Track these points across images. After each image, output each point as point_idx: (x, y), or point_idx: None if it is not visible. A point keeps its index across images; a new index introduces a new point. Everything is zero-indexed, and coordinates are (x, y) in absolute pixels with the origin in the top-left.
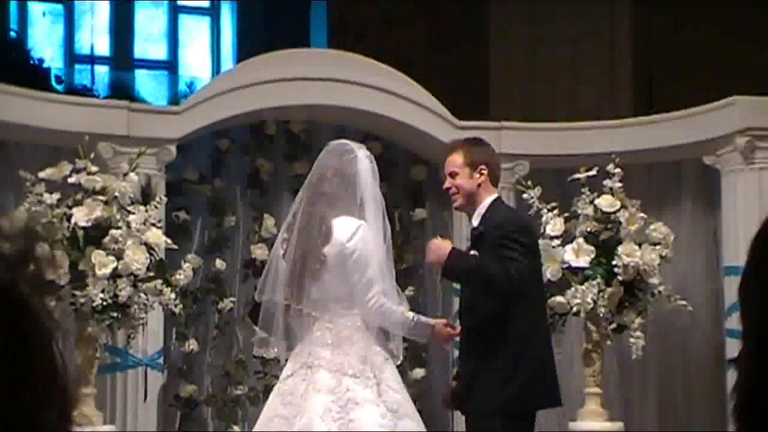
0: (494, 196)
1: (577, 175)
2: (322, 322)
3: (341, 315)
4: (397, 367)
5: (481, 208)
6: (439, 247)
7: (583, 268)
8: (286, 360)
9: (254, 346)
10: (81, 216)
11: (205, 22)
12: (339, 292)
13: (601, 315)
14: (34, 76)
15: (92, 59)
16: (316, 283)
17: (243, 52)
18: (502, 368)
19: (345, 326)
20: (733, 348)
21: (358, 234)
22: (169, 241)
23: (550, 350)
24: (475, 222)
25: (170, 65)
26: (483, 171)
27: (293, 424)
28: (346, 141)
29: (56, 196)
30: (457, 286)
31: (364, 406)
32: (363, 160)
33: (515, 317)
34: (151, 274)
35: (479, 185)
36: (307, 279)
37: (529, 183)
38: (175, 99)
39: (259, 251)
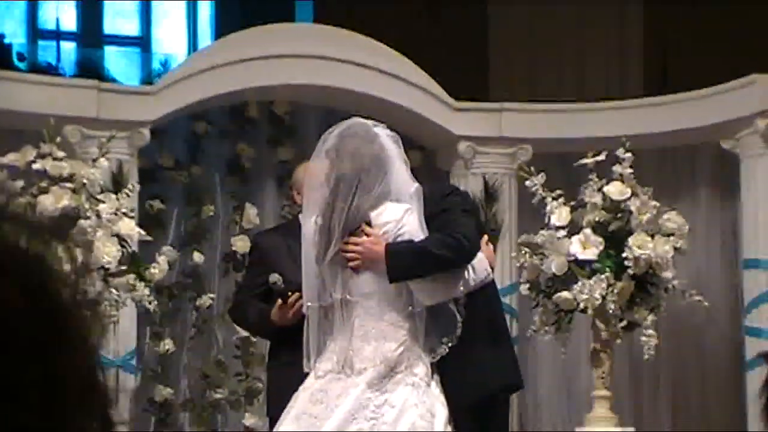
0: (416, 184)
1: (584, 161)
2: (364, 318)
3: (384, 310)
4: None
5: None
6: (371, 249)
7: (590, 261)
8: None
9: (236, 347)
10: (47, 205)
11: None
12: (383, 284)
13: (610, 312)
14: None
15: (58, 35)
16: (358, 279)
17: (222, 28)
18: (487, 346)
19: (388, 322)
20: (753, 347)
21: (407, 216)
22: (142, 232)
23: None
24: None
25: (143, 42)
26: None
27: (322, 425)
28: (364, 120)
29: (20, 183)
30: None
31: (401, 407)
32: (386, 140)
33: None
34: (123, 268)
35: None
36: (349, 275)
37: (532, 169)
38: (148, 78)
39: (240, 243)
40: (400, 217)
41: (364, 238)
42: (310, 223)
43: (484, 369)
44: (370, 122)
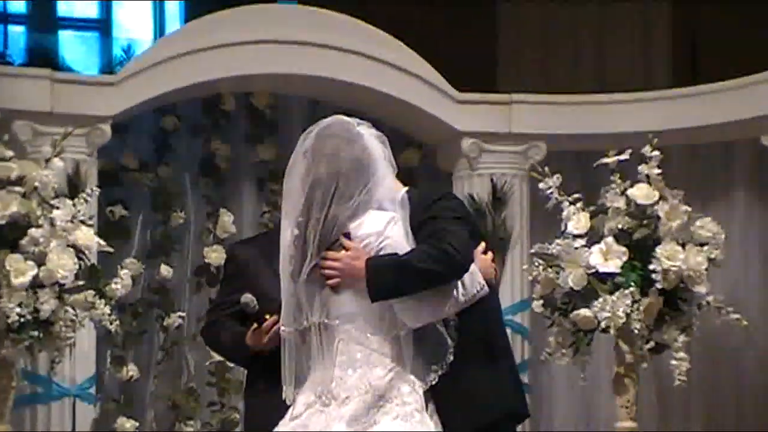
0: (404, 189)
1: (606, 160)
2: (347, 342)
3: (369, 334)
4: None
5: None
6: (351, 265)
7: (613, 274)
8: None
9: (209, 372)
10: None
11: None
12: (367, 304)
13: (635, 332)
14: None
15: (5, 18)
16: (339, 299)
17: (193, 10)
18: (483, 369)
19: (375, 346)
20: None
21: (390, 227)
22: (102, 242)
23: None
24: None
25: (103, 25)
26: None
27: None
28: (346, 119)
29: None
30: None
31: None
32: (371, 140)
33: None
34: (81, 283)
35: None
36: (328, 294)
37: (546, 169)
38: (109, 67)
39: (214, 255)
40: (382, 227)
41: (343, 252)
42: (287, 234)
43: (480, 395)
44: (353, 120)
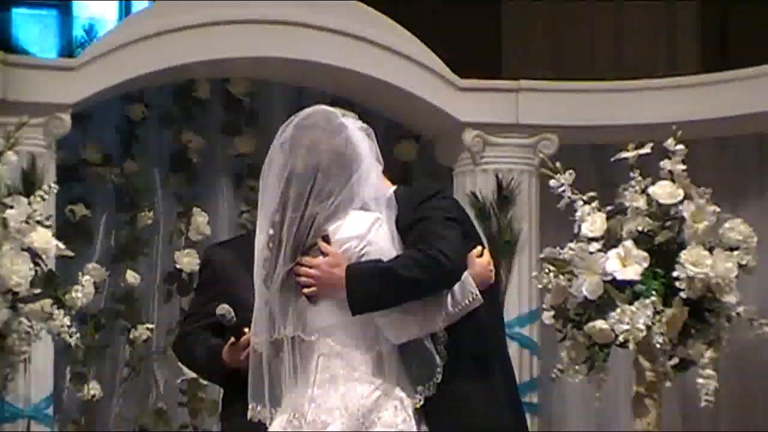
0: (393, 187)
1: (625, 154)
2: (328, 358)
3: (351, 349)
4: None
5: None
6: (329, 273)
7: (632, 282)
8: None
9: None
10: None
11: None
12: (348, 316)
13: (657, 346)
14: None
15: None
16: (317, 310)
17: None
18: (476, 388)
19: (358, 363)
20: None
21: (374, 229)
22: (61, 245)
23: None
24: None
25: (62, 2)
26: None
27: None
28: (329, 108)
29: None
30: None
31: None
32: (356, 132)
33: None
34: (37, 291)
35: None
36: (305, 305)
37: (558, 165)
38: (68, 49)
39: (186, 260)
40: (365, 230)
41: (321, 258)
42: (263, 236)
43: (473, 417)
44: (336, 111)
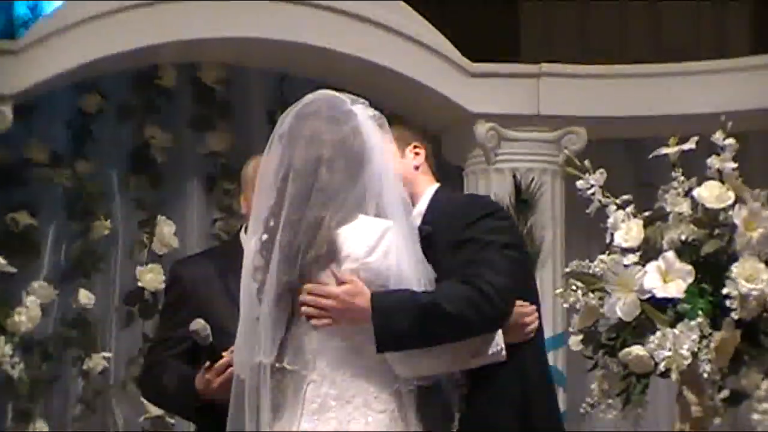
0: (436, 185)
1: (664, 150)
2: (319, 384)
3: (349, 372)
4: None
5: (421, 203)
6: (350, 304)
7: (675, 301)
8: None
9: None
10: None
11: None
12: (347, 337)
13: (705, 376)
14: None
15: None
16: (313, 329)
17: None
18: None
19: (353, 387)
20: None
21: (384, 243)
22: (1, 260)
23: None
24: (416, 222)
25: None
26: (418, 150)
27: None
28: (335, 93)
29: None
30: None
31: None
32: (368, 123)
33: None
34: None
35: (416, 167)
36: (304, 330)
37: (586, 163)
38: (9, 30)
39: (150, 276)
40: (374, 242)
41: (337, 287)
42: (254, 242)
43: None
44: (345, 97)
